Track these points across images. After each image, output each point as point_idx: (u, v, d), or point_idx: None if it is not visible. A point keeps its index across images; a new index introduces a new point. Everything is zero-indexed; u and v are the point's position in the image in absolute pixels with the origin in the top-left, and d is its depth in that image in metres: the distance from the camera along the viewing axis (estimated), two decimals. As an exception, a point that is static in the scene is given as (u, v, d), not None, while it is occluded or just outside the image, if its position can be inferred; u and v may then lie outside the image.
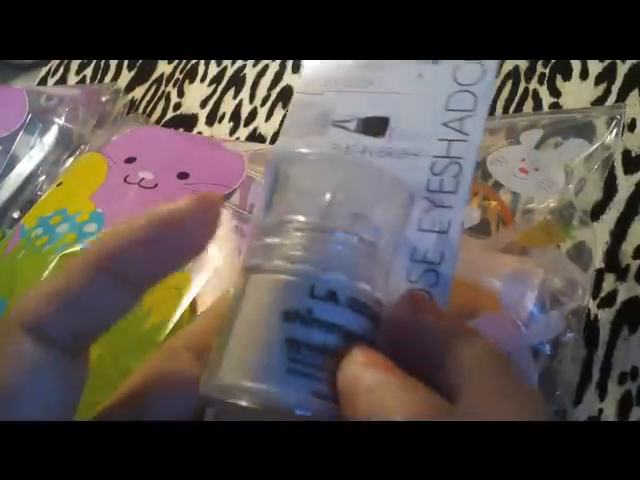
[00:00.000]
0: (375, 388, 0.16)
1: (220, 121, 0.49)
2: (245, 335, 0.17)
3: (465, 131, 0.20)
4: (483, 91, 0.20)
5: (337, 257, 0.17)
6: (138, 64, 0.54)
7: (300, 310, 0.16)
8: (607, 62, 0.40)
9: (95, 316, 0.18)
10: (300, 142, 0.21)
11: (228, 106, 0.49)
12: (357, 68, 0.21)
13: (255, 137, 0.47)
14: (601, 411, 0.32)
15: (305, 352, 0.16)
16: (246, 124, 0.48)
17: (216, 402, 0.17)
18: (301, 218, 0.17)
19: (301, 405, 0.16)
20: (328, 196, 0.18)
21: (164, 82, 0.52)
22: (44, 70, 0.57)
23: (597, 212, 0.36)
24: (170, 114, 0.51)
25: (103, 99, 0.49)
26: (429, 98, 0.20)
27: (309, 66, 0.22)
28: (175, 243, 0.18)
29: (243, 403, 0.16)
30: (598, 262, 0.35)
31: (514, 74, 0.42)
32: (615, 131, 0.32)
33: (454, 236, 0.19)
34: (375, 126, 0.21)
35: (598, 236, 0.33)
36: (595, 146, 0.32)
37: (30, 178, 0.43)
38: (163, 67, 0.53)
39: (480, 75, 0.20)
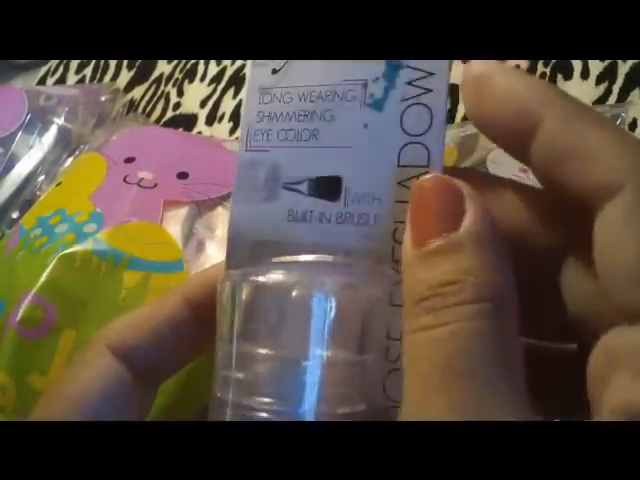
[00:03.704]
0: None
1: (220, 121, 0.48)
2: None
3: None
4: (434, 143, 0.18)
5: (308, 388, 0.16)
6: (137, 64, 0.54)
7: None
8: (608, 62, 0.40)
9: (174, 349, 0.20)
10: (255, 210, 0.20)
11: (228, 106, 0.49)
12: (300, 117, 0.20)
13: (255, 137, 0.47)
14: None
15: None
16: (246, 124, 0.47)
17: None
18: (264, 351, 0.17)
19: None
20: (288, 324, 0.17)
21: (163, 82, 0.52)
22: (43, 70, 0.57)
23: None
24: (170, 114, 0.50)
25: (102, 99, 0.49)
26: (379, 153, 0.19)
27: (248, 120, 0.21)
28: None
29: None
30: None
31: (514, 74, 0.42)
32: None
33: None
34: (328, 188, 0.19)
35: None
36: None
37: (29, 178, 0.43)
38: (162, 67, 0.53)
39: (428, 122, 0.18)
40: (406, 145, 0.18)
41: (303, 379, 0.16)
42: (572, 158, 0.15)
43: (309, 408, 0.16)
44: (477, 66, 0.17)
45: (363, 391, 0.17)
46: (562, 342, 0.18)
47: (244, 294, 0.18)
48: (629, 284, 0.14)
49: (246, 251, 0.20)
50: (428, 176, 0.17)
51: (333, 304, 0.17)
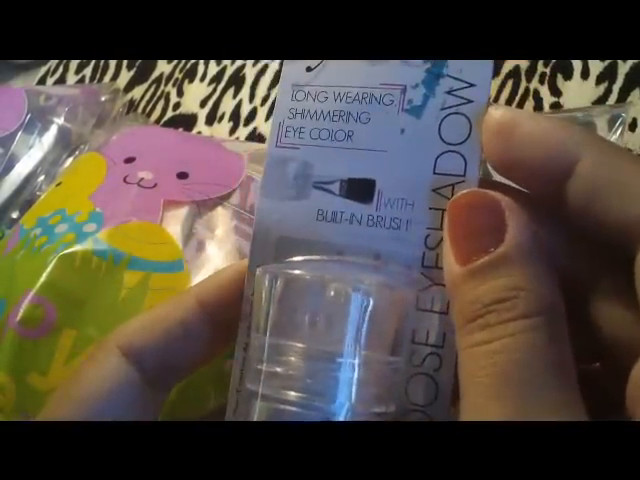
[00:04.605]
0: None
1: (220, 121, 0.48)
2: None
3: None
4: (471, 154, 0.18)
5: (343, 385, 0.16)
6: (137, 64, 0.54)
7: None
8: (608, 62, 0.40)
9: (186, 351, 0.20)
10: (282, 207, 0.20)
11: (228, 106, 0.49)
12: (335, 117, 0.20)
13: (255, 137, 0.47)
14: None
15: None
16: (246, 124, 0.47)
17: None
18: (300, 345, 0.17)
19: None
20: (325, 320, 0.17)
21: (163, 82, 0.52)
22: (43, 69, 0.57)
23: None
24: (169, 114, 0.50)
25: (102, 99, 0.49)
26: (415, 159, 0.19)
27: (279, 115, 0.20)
28: None
29: None
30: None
31: (515, 73, 0.42)
32: (618, 130, 0.31)
33: None
34: (361, 190, 0.19)
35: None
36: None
37: (29, 178, 0.43)
38: (162, 67, 0.53)
39: (467, 132, 0.18)
40: (443, 153, 0.19)
41: (338, 375, 0.16)
42: (613, 193, 0.15)
43: (343, 405, 0.16)
44: (498, 112, 0.17)
45: (392, 393, 0.18)
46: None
47: (282, 287, 0.18)
48: None
49: (271, 248, 0.20)
50: (464, 191, 0.17)
51: (371, 303, 0.17)
